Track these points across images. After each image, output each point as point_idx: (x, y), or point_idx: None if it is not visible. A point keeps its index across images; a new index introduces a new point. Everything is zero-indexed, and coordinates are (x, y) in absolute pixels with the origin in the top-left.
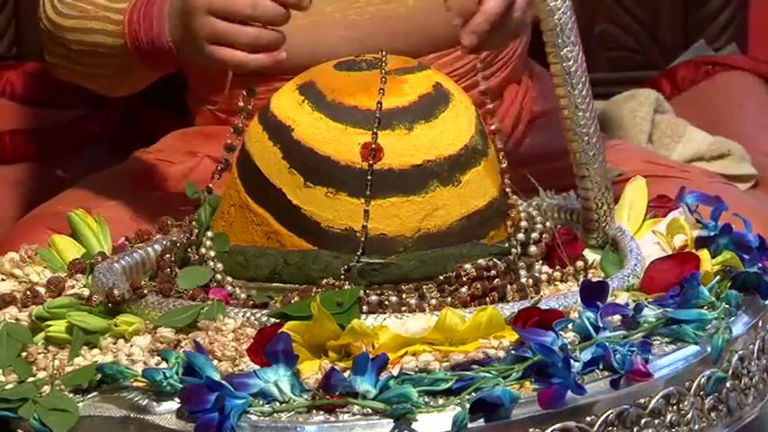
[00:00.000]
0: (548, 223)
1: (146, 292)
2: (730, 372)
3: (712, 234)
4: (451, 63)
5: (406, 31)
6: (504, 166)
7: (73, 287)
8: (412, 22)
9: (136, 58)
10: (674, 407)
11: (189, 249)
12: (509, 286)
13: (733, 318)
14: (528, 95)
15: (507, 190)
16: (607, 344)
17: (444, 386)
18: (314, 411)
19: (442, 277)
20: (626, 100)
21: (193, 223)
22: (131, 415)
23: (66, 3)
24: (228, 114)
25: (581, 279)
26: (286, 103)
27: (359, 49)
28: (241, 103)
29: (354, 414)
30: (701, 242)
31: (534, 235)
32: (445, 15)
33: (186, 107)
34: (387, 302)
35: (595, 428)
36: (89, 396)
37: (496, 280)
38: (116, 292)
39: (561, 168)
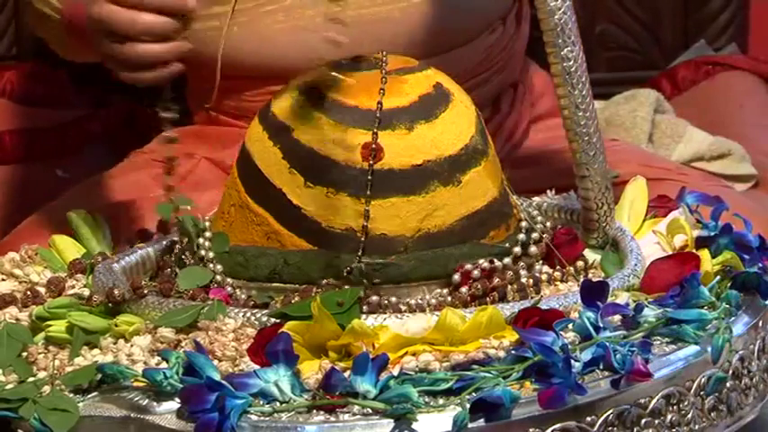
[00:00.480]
0: (548, 223)
1: (146, 292)
2: (730, 372)
3: (712, 234)
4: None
5: (398, 35)
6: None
7: (73, 287)
8: (405, 26)
9: (71, 31)
10: (675, 407)
11: (184, 255)
12: (509, 286)
13: (733, 318)
14: (526, 100)
15: (507, 190)
16: (607, 344)
17: (444, 386)
18: (314, 411)
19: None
20: (626, 100)
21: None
22: (131, 415)
23: None
24: (225, 115)
25: (581, 279)
26: (286, 102)
27: (349, 53)
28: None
29: (355, 414)
30: (701, 242)
31: (534, 235)
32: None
33: (185, 107)
34: (387, 302)
35: (596, 428)
36: (89, 396)
37: (497, 280)
38: (116, 291)
39: (561, 168)
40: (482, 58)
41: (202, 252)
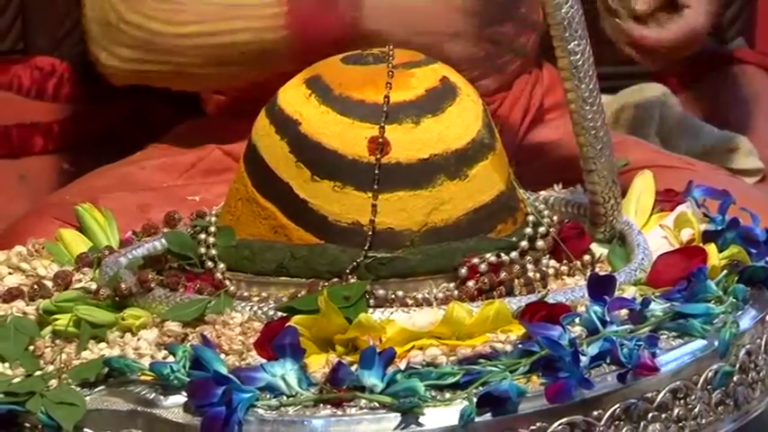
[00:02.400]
0: (555, 217)
1: (153, 285)
2: (737, 366)
3: (720, 228)
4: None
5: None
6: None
7: (80, 281)
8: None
9: (295, 47)
10: (682, 401)
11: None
12: (516, 280)
13: (740, 312)
14: (537, 87)
15: (514, 184)
16: (614, 338)
17: (451, 380)
18: (321, 405)
19: (448, 271)
20: (633, 94)
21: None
22: (138, 408)
23: (171, 9)
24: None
25: (588, 273)
26: (293, 96)
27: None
28: None
29: (361, 408)
30: (708, 236)
31: (541, 229)
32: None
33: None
34: (394, 296)
35: (602, 423)
36: (96, 390)
37: (504, 274)
38: (123, 285)
39: (568, 162)
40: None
41: (202, 250)
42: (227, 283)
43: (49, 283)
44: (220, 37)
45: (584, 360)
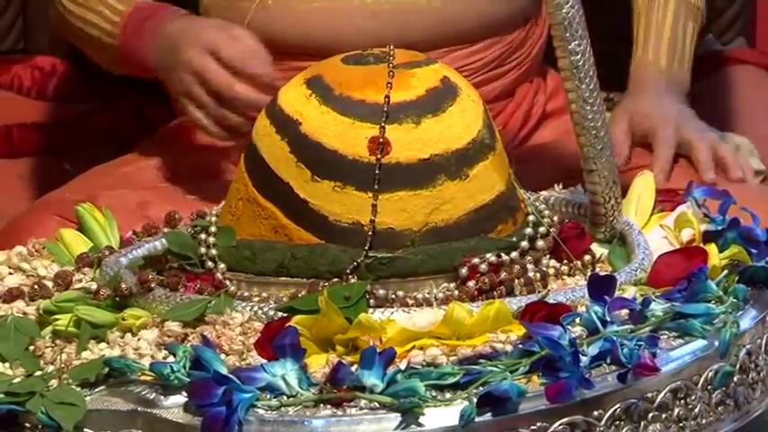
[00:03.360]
0: (555, 217)
1: (153, 285)
2: (738, 366)
3: (720, 228)
4: (466, 57)
5: (424, 24)
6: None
7: (80, 281)
8: (430, 16)
9: (125, 60)
10: (682, 401)
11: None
12: (516, 280)
13: (740, 312)
14: (539, 93)
15: (515, 184)
16: (614, 338)
17: (451, 380)
18: (321, 405)
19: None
20: None
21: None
22: (139, 409)
23: None
24: None
25: (588, 273)
26: (293, 96)
27: (375, 39)
28: None
29: (362, 408)
30: (708, 236)
31: (542, 229)
32: (463, 10)
33: None
34: (394, 296)
35: (603, 423)
36: (96, 390)
37: (504, 274)
38: (123, 285)
39: (569, 163)
40: (502, 52)
41: (202, 249)
42: (228, 283)
43: (50, 284)
44: (85, 25)
45: (584, 360)
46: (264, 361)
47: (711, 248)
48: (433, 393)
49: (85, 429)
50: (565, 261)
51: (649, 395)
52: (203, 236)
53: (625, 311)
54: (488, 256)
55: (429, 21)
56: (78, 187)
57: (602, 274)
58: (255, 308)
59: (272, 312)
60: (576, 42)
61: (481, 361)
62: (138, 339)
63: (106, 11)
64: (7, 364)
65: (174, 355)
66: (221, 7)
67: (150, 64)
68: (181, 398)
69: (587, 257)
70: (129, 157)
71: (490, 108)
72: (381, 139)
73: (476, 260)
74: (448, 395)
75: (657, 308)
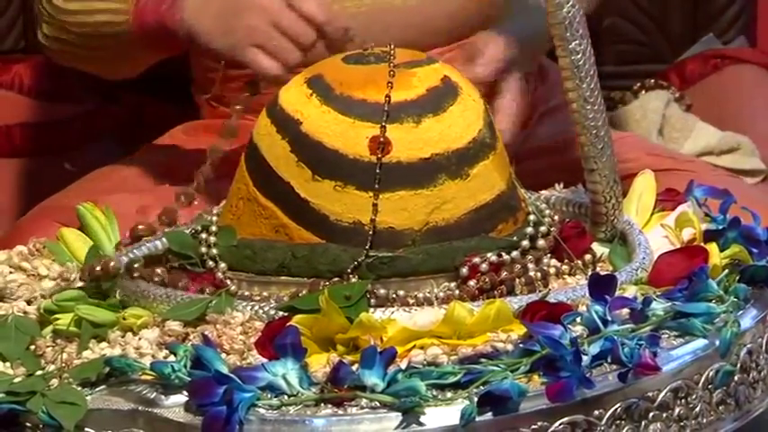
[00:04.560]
0: (556, 217)
1: (136, 274)
2: (738, 365)
3: (721, 227)
4: (454, 59)
5: (404, 24)
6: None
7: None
8: (409, 15)
9: (139, 35)
10: (683, 400)
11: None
12: (517, 279)
13: (741, 311)
14: (538, 92)
15: (515, 183)
16: (615, 337)
17: (452, 380)
18: (322, 405)
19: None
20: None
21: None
22: (139, 408)
23: None
24: (226, 107)
25: (589, 272)
26: (294, 96)
27: (354, 44)
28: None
29: (362, 407)
30: (709, 236)
31: (542, 228)
32: (443, 9)
33: (192, 101)
34: (395, 296)
35: (603, 422)
36: (97, 389)
37: (505, 273)
38: (112, 264)
39: (570, 162)
40: None
41: (203, 249)
42: (229, 282)
43: (51, 283)
44: (90, 15)
45: (585, 359)
46: (265, 360)
47: (712, 248)
48: (434, 393)
49: (86, 429)
50: (566, 260)
51: (650, 394)
52: (204, 235)
53: (626, 311)
54: (489, 255)
55: (409, 21)
56: (77, 192)
57: (602, 273)
58: (256, 307)
59: (272, 312)
60: (577, 42)
61: (482, 360)
62: (139, 339)
63: None
64: (8, 364)
65: (175, 355)
66: None
67: (172, 23)
68: (182, 397)
69: (588, 257)
70: (128, 160)
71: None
72: (382, 139)
73: (476, 259)
74: (449, 394)
75: (658, 307)
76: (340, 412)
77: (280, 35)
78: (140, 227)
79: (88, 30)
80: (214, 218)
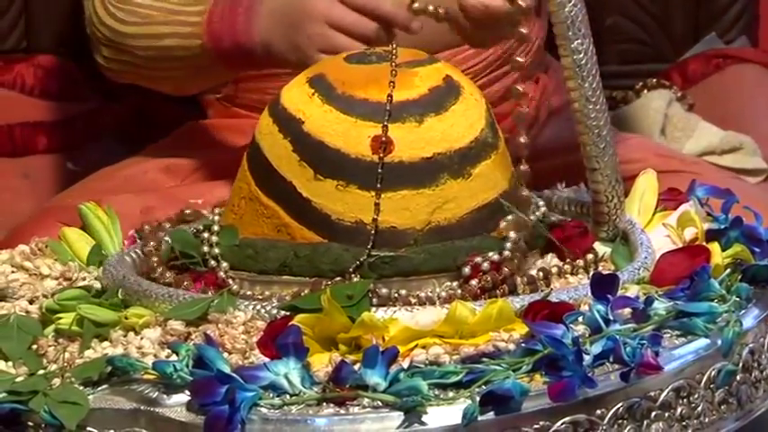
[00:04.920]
0: (558, 216)
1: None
2: (741, 365)
3: (723, 227)
4: (466, 61)
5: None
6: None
7: (84, 279)
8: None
9: (215, 57)
10: (685, 400)
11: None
12: (519, 279)
13: (743, 311)
14: (545, 93)
15: (518, 183)
16: (617, 337)
17: (454, 379)
18: (324, 404)
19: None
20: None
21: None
22: (141, 407)
23: (126, 10)
24: (238, 106)
25: (591, 272)
26: (296, 95)
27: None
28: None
29: (364, 407)
30: (711, 235)
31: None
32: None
33: (195, 100)
34: (397, 295)
35: (605, 421)
36: (99, 388)
37: (506, 272)
38: None
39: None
40: (503, 51)
41: (205, 248)
42: (231, 281)
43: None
44: (157, 40)
45: (587, 359)
46: (267, 360)
47: (714, 247)
48: (436, 392)
49: (88, 428)
50: (567, 260)
51: (652, 394)
52: (206, 234)
53: (628, 310)
54: (491, 254)
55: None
56: (81, 192)
57: (604, 272)
58: (258, 306)
59: (274, 311)
60: (579, 41)
61: (484, 360)
62: (141, 338)
63: (181, 17)
64: (10, 363)
65: (177, 354)
66: None
67: (249, 43)
68: (184, 396)
69: (590, 256)
70: (132, 160)
71: (497, 111)
72: (384, 138)
73: (478, 259)
74: (451, 394)
75: (660, 306)
76: (342, 412)
77: (338, 34)
78: (146, 227)
79: (153, 53)
80: (216, 217)
